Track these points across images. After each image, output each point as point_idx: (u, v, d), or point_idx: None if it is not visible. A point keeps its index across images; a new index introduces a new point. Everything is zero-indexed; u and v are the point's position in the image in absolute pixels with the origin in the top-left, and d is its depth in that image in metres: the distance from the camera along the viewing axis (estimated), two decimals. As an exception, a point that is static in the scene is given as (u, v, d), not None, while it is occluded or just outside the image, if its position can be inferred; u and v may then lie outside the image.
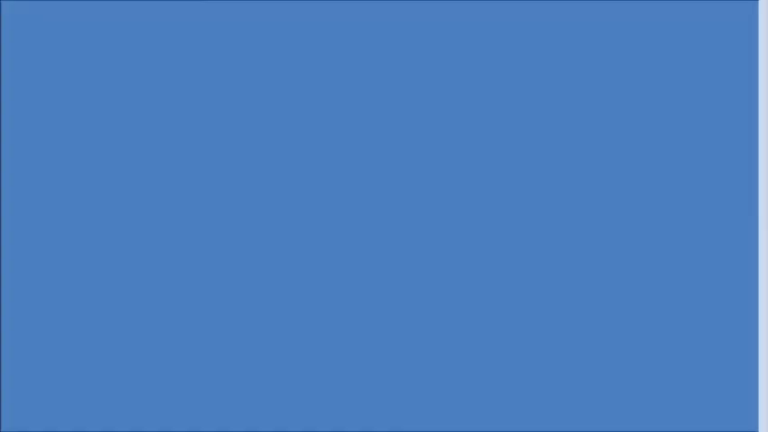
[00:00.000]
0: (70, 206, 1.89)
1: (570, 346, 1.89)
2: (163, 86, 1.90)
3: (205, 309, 1.89)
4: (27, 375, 1.88)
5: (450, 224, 1.90)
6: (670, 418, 1.89)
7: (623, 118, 1.90)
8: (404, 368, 1.89)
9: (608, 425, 1.89)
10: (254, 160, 1.90)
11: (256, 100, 1.90)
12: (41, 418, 1.88)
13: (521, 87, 1.91)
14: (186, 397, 1.89)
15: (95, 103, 1.90)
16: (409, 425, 1.89)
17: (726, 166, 1.89)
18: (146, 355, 1.88)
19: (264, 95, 1.90)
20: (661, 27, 1.90)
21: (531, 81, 1.91)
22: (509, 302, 1.89)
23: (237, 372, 1.89)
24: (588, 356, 1.89)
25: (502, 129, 1.90)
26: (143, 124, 1.90)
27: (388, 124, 1.91)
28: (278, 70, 1.91)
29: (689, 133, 1.90)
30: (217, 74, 1.90)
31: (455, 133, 1.91)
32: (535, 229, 1.90)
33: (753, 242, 1.89)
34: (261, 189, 1.89)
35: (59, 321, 1.88)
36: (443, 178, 1.90)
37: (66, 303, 1.88)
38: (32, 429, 1.88)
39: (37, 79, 1.90)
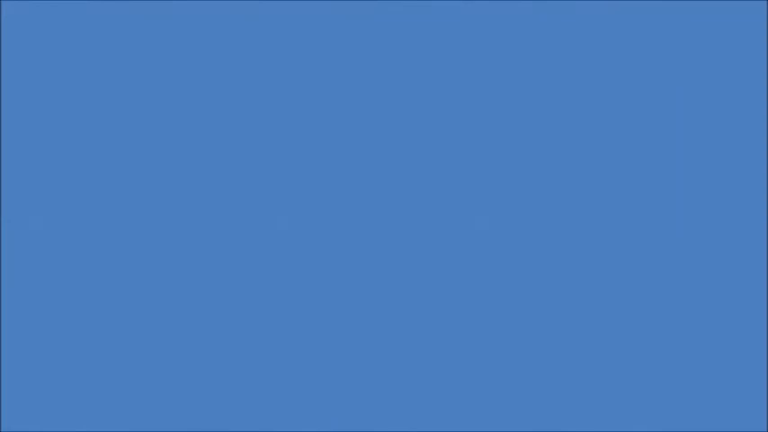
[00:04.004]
0: (67, 205, 1.88)
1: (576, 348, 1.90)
2: (161, 86, 1.89)
3: (204, 311, 1.89)
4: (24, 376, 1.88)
5: (451, 225, 1.90)
6: (679, 418, 1.90)
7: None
8: (404, 370, 1.90)
9: (614, 425, 1.90)
10: (252, 161, 1.89)
11: (254, 101, 1.90)
12: (39, 418, 1.88)
13: (522, 87, 1.91)
14: (184, 399, 1.89)
15: (91, 103, 1.89)
16: (409, 424, 1.90)
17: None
18: (146, 358, 1.88)
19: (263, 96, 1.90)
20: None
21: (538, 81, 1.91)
22: (508, 303, 1.90)
23: (237, 374, 1.89)
24: (591, 357, 1.90)
25: (501, 129, 1.91)
26: (138, 125, 1.89)
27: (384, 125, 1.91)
28: (276, 71, 1.91)
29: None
30: (214, 75, 1.90)
31: (454, 133, 1.91)
32: (535, 230, 1.90)
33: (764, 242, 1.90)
34: (260, 190, 1.89)
35: (58, 324, 1.88)
36: (443, 179, 1.90)
37: (64, 305, 1.88)
38: (31, 429, 1.88)
39: (35, 78, 1.89)
